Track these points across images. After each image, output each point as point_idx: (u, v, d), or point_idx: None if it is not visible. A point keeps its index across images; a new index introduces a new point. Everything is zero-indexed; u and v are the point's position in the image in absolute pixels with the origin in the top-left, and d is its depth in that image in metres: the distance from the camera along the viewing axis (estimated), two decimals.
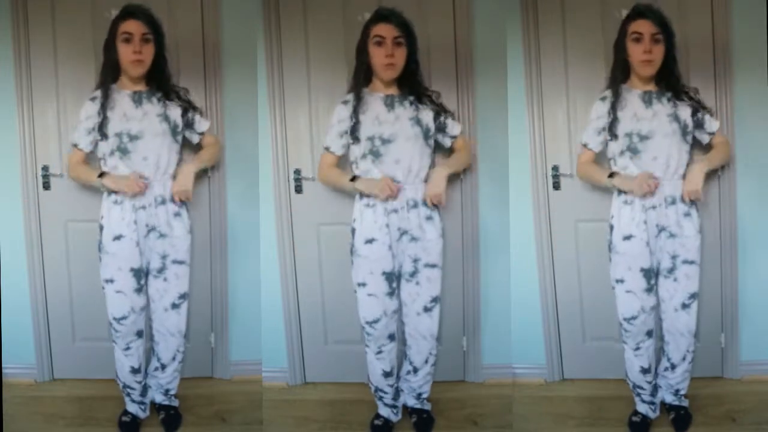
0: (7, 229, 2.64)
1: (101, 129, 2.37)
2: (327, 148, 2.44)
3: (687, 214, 2.37)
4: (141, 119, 2.38)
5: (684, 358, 2.46)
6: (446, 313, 2.66)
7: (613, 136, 2.38)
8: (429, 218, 2.40)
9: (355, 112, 2.38)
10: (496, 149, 2.60)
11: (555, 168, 2.63)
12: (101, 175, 2.38)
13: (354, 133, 2.38)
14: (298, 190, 2.65)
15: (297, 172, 2.64)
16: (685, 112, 2.39)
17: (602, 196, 2.50)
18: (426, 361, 2.49)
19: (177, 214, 2.42)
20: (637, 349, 2.44)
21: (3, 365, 2.66)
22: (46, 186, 2.63)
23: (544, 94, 2.62)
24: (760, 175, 2.60)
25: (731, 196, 2.61)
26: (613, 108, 2.39)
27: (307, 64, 2.62)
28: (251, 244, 2.62)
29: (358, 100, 2.38)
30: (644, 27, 2.34)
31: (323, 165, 2.47)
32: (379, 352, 2.45)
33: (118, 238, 2.37)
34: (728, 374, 2.69)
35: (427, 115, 2.41)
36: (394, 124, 2.38)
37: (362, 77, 2.39)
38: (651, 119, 2.36)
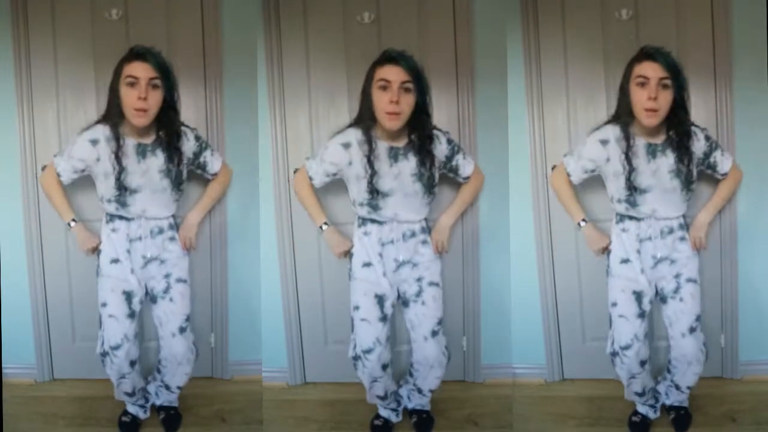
0: (7, 229, 2.64)
1: (119, 180, 2.29)
2: (310, 178, 2.41)
3: (683, 238, 2.37)
4: (143, 174, 2.31)
5: (690, 387, 2.45)
6: (446, 313, 2.66)
7: (633, 189, 2.28)
8: (424, 242, 2.40)
9: (370, 164, 2.27)
10: (496, 149, 2.60)
11: (555, 168, 2.63)
12: (72, 221, 2.42)
13: (371, 183, 2.29)
14: None
15: (297, 172, 2.64)
16: (692, 164, 2.31)
17: (602, 196, 2.49)
18: (432, 390, 2.48)
19: (172, 239, 2.41)
20: (632, 378, 2.43)
21: (3, 365, 2.66)
22: None
23: (544, 94, 2.62)
24: (760, 175, 2.60)
25: (731, 197, 2.60)
26: (628, 159, 2.26)
27: (307, 64, 2.62)
28: (251, 244, 2.62)
29: (371, 151, 2.28)
30: (651, 70, 2.19)
31: (303, 183, 2.44)
32: (374, 381, 2.44)
33: (115, 261, 2.37)
34: (728, 374, 2.69)
35: (433, 168, 2.35)
36: (395, 179, 2.30)
37: (369, 125, 2.28)
38: (652, 175, 2.29)
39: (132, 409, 2.52)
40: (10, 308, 2.64)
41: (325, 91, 2.61)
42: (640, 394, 2.47)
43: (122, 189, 2.30)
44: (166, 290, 2.41)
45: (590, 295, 2.64)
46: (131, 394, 2.47)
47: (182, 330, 2.42)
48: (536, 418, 2.61)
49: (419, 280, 2.39)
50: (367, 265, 2.38)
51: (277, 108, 2.62)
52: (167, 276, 2.41)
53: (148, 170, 2.32)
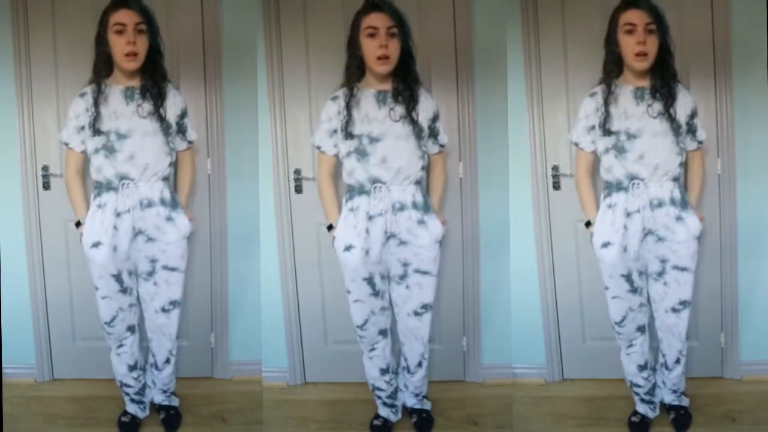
0: (7, 229, 2.64)
1: (93, 126, 2.28)
2: (318, 148, 2.38)
3: (679, 218, 2.32)
4: (130, 117, 2.29)
5: (677, 361, 2.44)
6: (446, 313, 2.66)
7: (606, 132, 2.30)
8: (421, 222, 2.35)
9: (347, 108, 2.30)
10: (496, 149, 2.60)
11: (555, 168, 2.63)
12: (78, 224, 2.36)
13: (346, 129, 2.30)
14: (298, 190, 2.65)
15: (297, 172, 2.64)
16: (681, 110, 2.31)
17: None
18: (419, 365, 2.48)
19: (169, 218, 2.36)
20: (630, 346, 2.44)
21: (3, 365, 2.66)
22: (46, 186, 2.63)
23: (544, 94, 2.62)
24: (760, 175, 2.60)
25: (731, 196, 2.61)
26: (606, 104, 2.30)
27: (307, 64, 2.63)
28: (251, 244, 2.62)
29: (351, 96, 2.30)
30: (637, 17, 2.25)
31: (321, 170, 2.40)
32: (372, 350, 2.45)
33: (95, 245, 2.32)
34: (728, 374, 2.70)
35: (423, 113, 2.34)
36: (383, 121, 2.30)
37: (354, 72, 2.32)
38: (640, 117, 2.28)
39: (131, 408, 2.52)
40: (10, 308, 2.64)
41: (325, 91, 2.60)
42: (642, 367, 2.46)
43: (95, 130, 2.28)
44: (150, 273, 2.38)
45: (590, 295, 2.64)
46: (133, 368, 2.47)
47: (165, 310, 2.41)
48: (536, 418, 2.61)
49: (405, 265, 2.36)
50: (348, 249, 2.34)
51: (277, 108, 2.63)
52: (153, 261, 2.37)
53: (136, 112, 2.30)
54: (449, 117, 2.61)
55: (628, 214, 2.31)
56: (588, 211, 2.42)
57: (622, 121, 2.30)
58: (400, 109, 2.31)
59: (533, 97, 2.62)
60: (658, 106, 2.29)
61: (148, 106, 2.31)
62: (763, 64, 2.56)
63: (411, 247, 2.35)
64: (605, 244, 2.34)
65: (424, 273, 2.37)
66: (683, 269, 2.34)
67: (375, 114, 2.30)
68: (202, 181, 2.61)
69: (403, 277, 2.38)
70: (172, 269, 2.38)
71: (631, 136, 2.29)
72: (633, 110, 2.29)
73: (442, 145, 2.43)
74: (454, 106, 2.61)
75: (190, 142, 2.46)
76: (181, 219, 2.38)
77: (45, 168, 2.63)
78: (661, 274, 2.36)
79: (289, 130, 2.64)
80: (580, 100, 2.41)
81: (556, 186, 2.64)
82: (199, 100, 2.59)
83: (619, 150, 2.30)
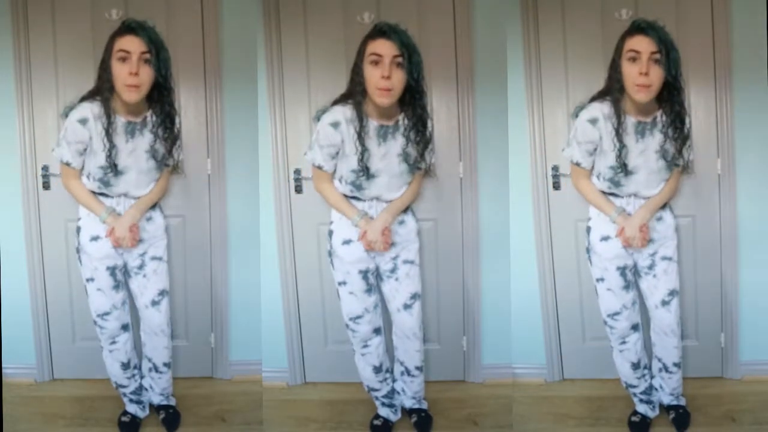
0: (7, 229, 2.64)
1: (110, 158, 2.24)
2: (319, 167, 2.32)
3: (659, 219, 2.37)
4: (130, 154, 2.28)
5: (677, 365, 2.46)
6: (446, 313, 2.66)
7: (623, 166, 2.23)
8: (402, 222, 2.39)
9: (361, 141, 2.20)
10: (496, 149, 2.60)
11: (555, 168, 2.63)
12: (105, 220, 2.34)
13: (362, 161, 2.23)
14: (298, 190, 2.65)
15: (297, 172, 2.64)
16: (676, 144, 2.27)
17: None
18: (419, 368, 2.49)
19: (149, 219, 2.41)
20: (623, 343, 2.45)
21: (3, 365, 2.66)
22: (46, 186, 2.63)
23: (544, 94, 2.62)
24: (760, 176, 2.60)
25: (731, 196, 2.61)
26: (618, 136, 2.21)
27: (307, 64, 2.62)
28: (251, 244, 2.62)
29: (361, 126, 2.21)
30: (642, 45, 2.11)
31: (322, 181, 2.36)
32: (365, 347, 2.45)
33: (95, 239, 2.36)
34: (728, 374, 2.70)
35: (418, 148, 2.30)
36: (382, 159, 2.28)
37: (361, 101, 2.20)
38: (640, 154, 2.26)
39: (131, 408, 2.53)
40: (10, 308, 2.64)
41: (325, 91, 2.60)
42: (636, 365, 2.47)
43: (111, 167, 2.26)
44: (141, 267, 2.42)
45: (590, 295, 2.64)
46: (126, 366, 2.48)
47: (154, 303, 2.43)
48: (536, 418, 2.61)
49: (395, 258, 2.40)
50: (347, 242, 2.37)
51: (277, 108, 2.63)
52: (143, 254, 2.41)
53: (135, 149, 2.28)
54: (449, 117, 2.61)
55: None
56: (606, 207, 2.35)
57: (624, 154, 2.26)
58: (398, 146, 2.25)
59: (533, 97, 2.62)
60: (655, 143, 2.22)
61: (146, 143, 2.28)
62: (763, 64, 2.56)
63: (399, 244, 2.39)
64: (605, 238, 2.37)
65: (411, 263, 2.41)
66: (669, 259, 2.38)
67: (375, 150, 2.26)
68: (202, 181, 2.61)
69: (393, 270, 2.40)
70: (159, 259, 2.43)
71: (629, 173, 2.29)
72: (633, 146, 2.25)
73: (419, 168, 2.38)
74: (454, 106, 2.61)
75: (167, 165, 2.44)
76: (159, 216, 2.44)
77: (45, 168, 2.63)
78: (651, 267, 2.39)
79: (289, 130, 2.64)
80: (576, 121, 2.34)
81: (556, 186, 2.64)
82: (199, 100, 2.59)
83: (616, 184, 2.33)
